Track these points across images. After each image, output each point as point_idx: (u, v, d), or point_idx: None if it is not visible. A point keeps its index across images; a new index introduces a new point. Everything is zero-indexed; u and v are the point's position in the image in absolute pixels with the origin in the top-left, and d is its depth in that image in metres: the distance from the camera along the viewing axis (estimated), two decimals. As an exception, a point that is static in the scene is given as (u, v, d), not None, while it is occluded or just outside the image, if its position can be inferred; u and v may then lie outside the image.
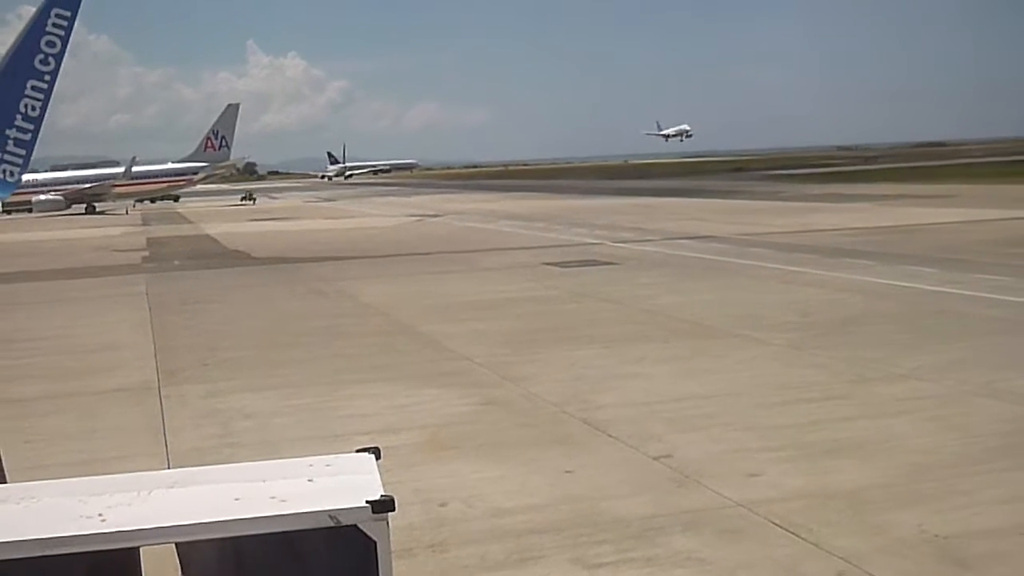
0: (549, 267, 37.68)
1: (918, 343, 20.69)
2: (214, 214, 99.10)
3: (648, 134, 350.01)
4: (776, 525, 11.02)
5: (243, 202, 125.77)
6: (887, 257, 35.57)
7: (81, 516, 5.51)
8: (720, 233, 48.71)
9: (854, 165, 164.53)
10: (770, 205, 73.20)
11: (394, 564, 5.54)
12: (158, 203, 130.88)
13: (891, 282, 29.69)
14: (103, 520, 5.44)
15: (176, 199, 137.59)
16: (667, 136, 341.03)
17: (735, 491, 12.11)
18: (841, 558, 10.09)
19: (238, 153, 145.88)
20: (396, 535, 5.56)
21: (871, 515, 11.18)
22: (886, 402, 16.11)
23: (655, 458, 13.67)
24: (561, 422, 15.84)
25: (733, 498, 11.89)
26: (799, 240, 43.85)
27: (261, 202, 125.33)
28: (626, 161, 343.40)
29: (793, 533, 10.77)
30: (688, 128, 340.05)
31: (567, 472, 13.24)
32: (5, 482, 6.82)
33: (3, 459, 7.02)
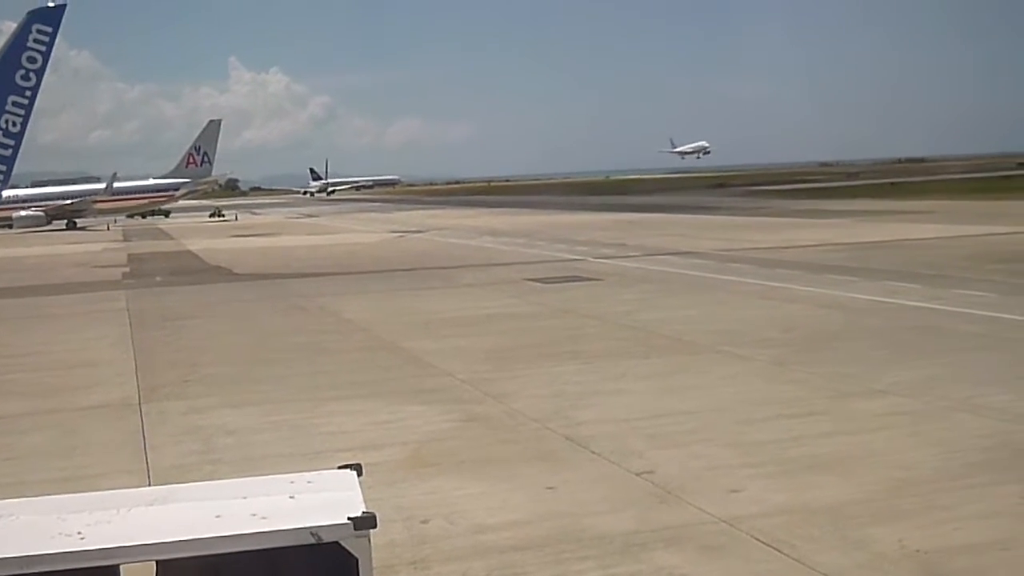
0: (531, 283, 37.71)
1: (899, 359, 20.77)
2: (196, 230, 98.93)
3: (662, 152, 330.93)
4: (758, 541, 11.04)
5: (212, 219, 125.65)
6: (869, 273, 35.73)
7: (60, 534, 5.50)
8: (701, 249, 48.86)
9: (836, 181, 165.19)
10: (751, 221, 73.43)
11: (376, 581, 5.53)
12: (146, 218, 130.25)
13: (873, 298, 29.81)
14: (82, 538, 5.42)
15: (166, 214, 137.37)
16: (683, 154, 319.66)
17: (717, 507, 12.13)
18: (823, 573, 10.12)
19: (220, 169, 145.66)
20: (378, 552, 5.57)
21: (852, 530, 11.21)
22: (867, 418, 16.16)
23: (637, 474, 13.68)
24: (543, 438, 15.84)
25: (715, 514, 11.91)
26: (781, 256, 44.01)
27: (243, 218, 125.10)
28: (607, 177, 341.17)
29: (775, 549, 10.79)
30: (706, 145, 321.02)
31: (549, 488, 13.23)
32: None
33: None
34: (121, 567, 5.95)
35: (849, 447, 14.51)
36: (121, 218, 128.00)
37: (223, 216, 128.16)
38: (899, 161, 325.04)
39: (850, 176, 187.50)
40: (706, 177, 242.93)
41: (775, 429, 15.63)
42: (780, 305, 29.47)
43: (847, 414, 16.46)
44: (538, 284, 37.32)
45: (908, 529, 11.17)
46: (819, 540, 10.96)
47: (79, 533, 5.49)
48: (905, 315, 26.66)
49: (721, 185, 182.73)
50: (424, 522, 12.04)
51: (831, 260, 41.28)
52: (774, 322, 26.19)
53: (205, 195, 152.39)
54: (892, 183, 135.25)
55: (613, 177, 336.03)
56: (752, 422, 16.12)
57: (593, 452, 14.86)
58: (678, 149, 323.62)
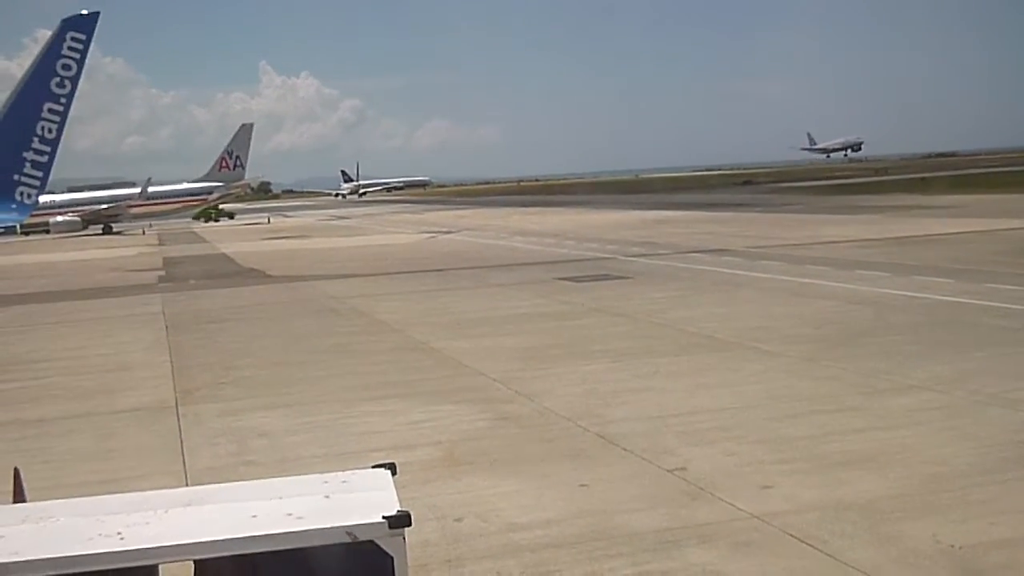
0: (562, 282, 37.72)
1: (931, 354, 20.67)
2: (229, 233, 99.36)
3: (804, 149, 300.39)
4: (791, 537, 11.05)
5: (208, 223, 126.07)
6: (899, 268, 35.54)
7: (100, 535, 5.58)
8: (731, 246, 48.70)
9: (864, 177, 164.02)
10: (781, 217, 73.17)
11: (410, 579, 5.59)
12: (215, 224, 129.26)
13: (904, 293, 29.67)
14: (122, 539, 5.51)
15: (231, 216, 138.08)
16: (827, 151, 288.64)
17: (749, 503, 12.14)
18: (857, 569, 10.12)
19: (252, 173, 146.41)
20: (412, 551, 5.63)
21: (886, 526, 11.20)
22: (899, 413, 16.13)
23: (669, 471, 13.71)
24: (575, 436, 15.88)
25: (748, 510, 11.92)
26: (811, 252, 43.83)
27: (276, 221, 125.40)
28: (637, 176, 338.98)
29: (808, 545, 10.79)
30: (859, 139, 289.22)
31: (582, 486, 13.28)
32: (25, 501, 6.88)
33: (23, 478, 7.09)
34: (160, 567, 6.05)
35: (881, 443, 14.47)
36: (157, 222, 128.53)
37: (232, 216, 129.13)
38: (929, 156, 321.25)
39: (878, 172, 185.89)
40: (733, 174, 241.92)
41: (807, 425, 15.62)
42: (810, 301, 29.36)
43: (879, 410, 16.42)
44: (568, 283, 37.32)
45: (942, 524, 11.15)
46: (852, 536, 10.96)
47: (119, 533, 5.57)
48: (937, 310, 26.51)
49: (748, 182, 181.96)
50: (458, 520, 12.12)
51: (861, 256, 41.09)
52: (804, 318, 26.12)
53: (238, 199, 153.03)
54: (922, 178, 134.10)
55: (642, 176, 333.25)
56: (783, 418, 16.11)
57: (625, 449, 14.89)
58: (821, 146, 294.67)
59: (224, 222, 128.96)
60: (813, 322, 25.46)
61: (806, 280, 34.00)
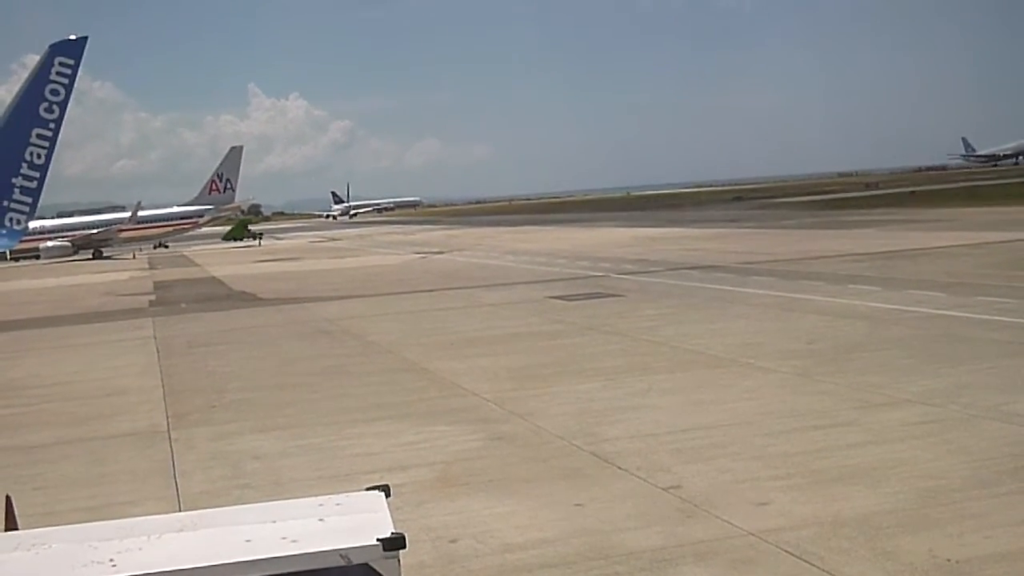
0: (554, 300, 37.73)
1: (924, 367, 20.70)
2: (220, 256, 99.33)
3: (962, 156, 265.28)
4: (787, 553, 11.02)
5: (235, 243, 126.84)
6: (891, 282, 35.58)
7: (93, 561, 5.55)
8: (723, 262, 48.78)
9: (854, 191, 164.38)
10: (772, 233, 73.28)
11: (406, 602, 5.56)
12: (200, 246, 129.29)
13: (896, 307, 29.70)
14: (114, 565, 5.48)
15: (259, 236, 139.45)
16: (993, 158, 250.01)
17: (745, 520, 12.12)
18: (853, 585, 10.09)
19: (243, 195, 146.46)
20: (407, 573, 5.59)
21: (882, 541, 11.18)
22: (893, 427, 16.12)
23: (665, 489, 13.68)
24: (570, 455, 15.85)
25: (743, 527, 11.90)
26: (803, 267, 43.89)
27: (267, 243, 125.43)
28: (628, 193, 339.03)
29: (805, 561, 10.77)
30: None
31: (577, 505, 13.25)
32: (17, 528, 6.84)
33: (15, 506, 7.05)
34: None
35: (876, 457, 14.46)
36: (147, 247, 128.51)
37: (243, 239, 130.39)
38: (919, 169, 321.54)
39: (868, 186, 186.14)
40: (724, 191, 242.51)
41: (801, 441, 15.60)
42: (803, 316, 29.40)
43: (873, 424, 16.40)
44: (560, 301, 37.33)
45: (938, 538, 11.13)
46: (848, 551, 10.93)
47: (111, 560, 5.54)
48: (929, 324, 26.54)
49: (739, 198, 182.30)
50: (453, 542, 12.08)
51: (853, 270, 41.14)
52: (797, 334, 26.14)
53: (228, 221, 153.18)
54: (912, 192, 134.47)
55: (634, 193, 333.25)
56: (778, 434, 16.09)
57: (620, 468, 14.86)
58: (983, 152, 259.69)
59: (226, 244, 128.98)
60: (806, 337, 25.47)
61: (798, 295, 34.03)
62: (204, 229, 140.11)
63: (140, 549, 5.74)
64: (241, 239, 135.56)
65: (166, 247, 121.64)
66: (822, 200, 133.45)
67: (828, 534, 11.49)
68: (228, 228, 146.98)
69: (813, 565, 10.63)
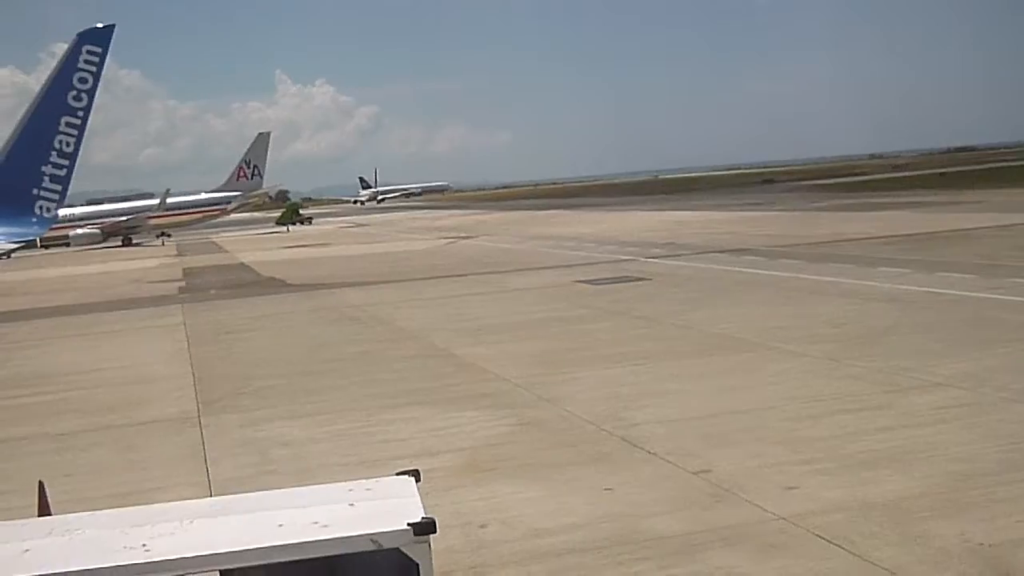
0: (582, 285, 37.67)
1: (956, 351, 20.54)
2: (249, 242, 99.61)
3: None
4: (817, 538, 10.98)
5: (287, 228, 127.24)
6: (922, 264, 35.31)
7: (125, 547, 5.59)
8: (752, 245, 48.52)
9: (883, 173, 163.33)
10: (801, 216, 72.87)
11: (435, 587, 5.57)
12: (234, 233, 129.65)
13: (927, 289, 29.50)
14: (147, 550, 5.51)
15: (309, 221, 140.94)
16: None
17: (774, 505, 12.09)
18: (886, 569, 10.05)
19: (270, 181, 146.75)
20: (436, 557, 5.61)
21: (912, 525, 11.12)
22: (924, 411, 16.02)
23: (694, 473, 13.66)
24: (599, 440, 15.84)
25: (773, 512, 11.87)
26: (832, 250, 43.64)
27: (295, 228, 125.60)
28: (656, 176, 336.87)
29: (835, 545, 10.73)
30: None
31: (606, 490, 13.24)
32: (50, 514, 6.90)
33: (47, 492, 7.11)
34: None
35: (907, 441, 14.38)
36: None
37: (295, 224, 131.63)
38: (949, 150, 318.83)
39: (897, 167, 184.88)
40: (753, 174, 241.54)
41: (831, 425, 15.53)
42: (832, 300, 29.24)
43: (904, 408, 16.31)
44: (588, 286, 37.27)
45: (970, 522, 11.07)
46: (879, 536, 10.89)
47: (143, 545, 5.57)
48: (961, 306, 26.36)
49: (768, 181, 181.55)
50: (482, 527, 12.10)
51: (883, 253, 40.89)
52: (826, 317, 26.00)
53: (256, 208, 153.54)
54: (941, 173, 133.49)
55: (662, 176, 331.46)
56: (807, 418, 16.03)
57: (649, 452, 14.85)
58: None
59: (255, 231, 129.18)
60: (835, 321, 25.34)
61: (828, 278, 33.84)
62: (233, 216, 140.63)
63: (172, 534, 5.78)
64: (292, 224, 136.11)
65: (168, 236, 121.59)
66: (851, 182, 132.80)
67: (858, 518, 11.45)
68: (279, 213, 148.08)
69: (844, 549, 10.59)
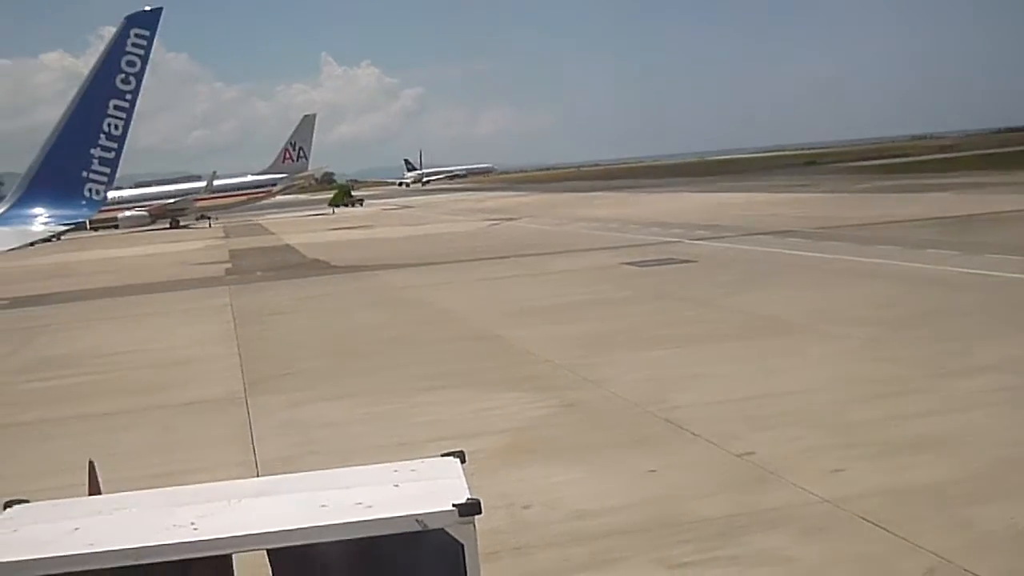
0: (626, 267, 37.59)
1: (1002, 334, 20.32)
2: (294, 224, 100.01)
3: None
4: (863, 521, 10.94)
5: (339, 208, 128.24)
6: (969, 246, 34.90)
7: (174, 525, 5.66)
8: (796, 227, 48.18)
9: (929, 154, 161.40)
10: (847, 197, 72.15)
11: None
12: (280, 215, 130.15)
13: (973, 272, 29.19)
14: (195, 528, 5.58)
15: (360, 202, 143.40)
16: None
17: (819, 488, 12.04)
18: (933, 553, 9.98)
19: (315, 163, 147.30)
20: (481, 538, 5.63)
21: (959, 509, 11.06)
22: (969, 395, 15.87)
23: (737, 456, 13.63)
24: (642, 422, 15.84)
25: (817, 494, 11.83)
26: (878, 232, 43.20)
27: (340, 211, 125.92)
28: (701, 158, 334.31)
29: (881, 528, 10.68)
30: None
31: (650, 472, 13.25)
32: (100, 493, 6.98)
33: (98, 470, 7.19)
34: (233, 556, 6.12)
35: (951, 425, 14.27)
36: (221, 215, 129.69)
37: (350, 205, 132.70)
38: (999, 131, 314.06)
39: (943, 149, 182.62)
40: (797, 155, 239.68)
41: (875, 408, 15.43)
42: (877, 282, 29.01)
43: (948, 392, 16.17)
44: (633, 268, 37.18)
45: (1018, 507, 10.97)
46: (924, 520, 10.82)
47: (192, 524, 5.64)
48: (1007, 289, 26.08)
49: (812, 162, 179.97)
50: (526, 508, 12.15)
51: (929, 235, 40.43)
52: (871, 299, 25.80)
53: (302, 190, 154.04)
54: (989, 154, 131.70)
55: (706, 158, 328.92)
56: (851, 402, 15.94)
57: (692, 434, 14.84)
58: None
59: (299, 213, 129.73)
60: (880, 303, 25.13)
61: (873, 260, 33.52)
62: (278, 197, 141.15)
63: (219, 513, 5.85)
64: (343, 205, 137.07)
65: (209, 218, 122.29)
66: (896, 163, 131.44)
67: (904, 502, 11.38)
68: (331, 195, 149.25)
69: (890, 532, 10.54)
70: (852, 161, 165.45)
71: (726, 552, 10.44)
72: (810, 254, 36.98)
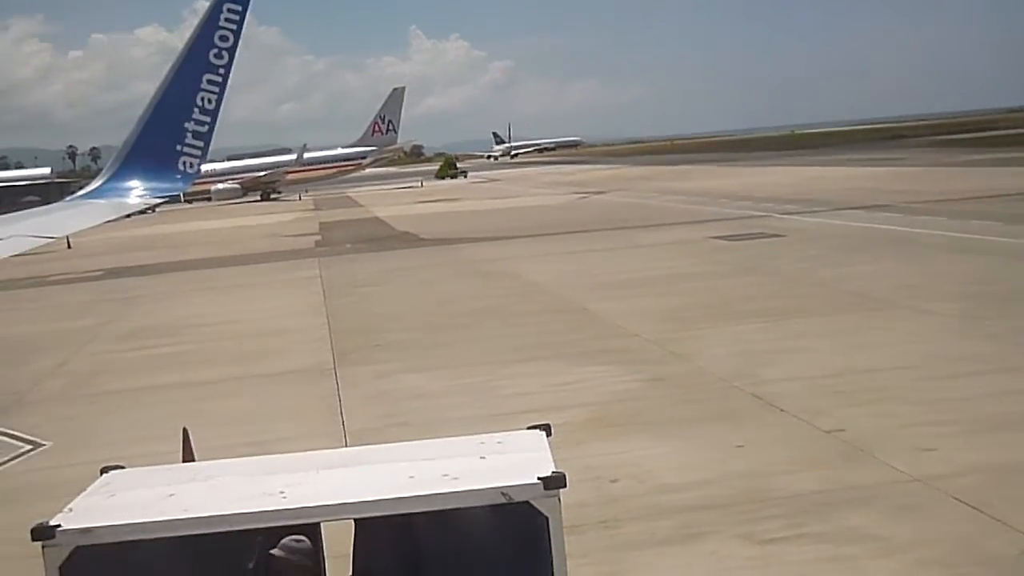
0: (714, 241, 37.26)
1: (1103, 311, 19.82)
2: (383, 197, 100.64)
3: None
4: (954, 500, 10.78)
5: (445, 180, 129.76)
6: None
7: (264, 493, 5.76)
8: (888, 201, 47.32)
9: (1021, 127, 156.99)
10: (941, 171, 70.51)
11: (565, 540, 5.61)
12: (369, 188, 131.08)
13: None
14: (284, 497, 5.68)
15: (464, 174, 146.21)
16: None
17: (909, 465, 11.88)
18: None
19: (404, 137, 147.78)
20: (566, 512, 5.64)
21: (1055, 490, 10.83)
22: (1068, 373, 15.52)
23: (826, 432, 13.50)
24: (729, 397, 15.76)
25: (907, 472, 11.68)
26: (974, 207, 42.19)
27: (428, 184, 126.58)
28: (792, 132, 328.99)
29: (972, 508, 10.50)
30: None
31: (737, 447, 13.18)
32: (194, 460, 7.13)
33: (191, 438, 7.34)
34: (321, 524, 6.22)
35: (1048, 404, 13.97)
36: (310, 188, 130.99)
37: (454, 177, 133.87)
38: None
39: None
40: (884, 128, 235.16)
41: (967, 386, 15.15)
42: (972, 257, 28.43)
43: (1045, 370, 15.82)
44: (721, 242, 36.85)
45: (1117, 488, 10.73)
46: (1019, 500, 10.61)
47: (281, 492, 5.74)
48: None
49: (899, 136, 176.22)
50: (613, 481, 12.17)
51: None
52: (965, 275, 25.28)
53: (391, 162, 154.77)
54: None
55: (797, 131, 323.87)
56: (943, 379, 15.69)
57: (780, 410, 14.72)
58: None
59: (390, 185, 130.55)
60: (975, 279, 24.62)
61: (968, 235, 32.77)
62: (367, 170, 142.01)
63: (308, 482, 5.94)
64: (450, 176, 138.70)
65: (269, 195, 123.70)
66: (988, 136, 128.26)
67: (997, 482, 11.18)
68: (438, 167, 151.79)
69: (983, 512, 10.36)
70: (942, 134, 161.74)
71: (814, 529, 10.36)
72: (903, 229, 36.25)
